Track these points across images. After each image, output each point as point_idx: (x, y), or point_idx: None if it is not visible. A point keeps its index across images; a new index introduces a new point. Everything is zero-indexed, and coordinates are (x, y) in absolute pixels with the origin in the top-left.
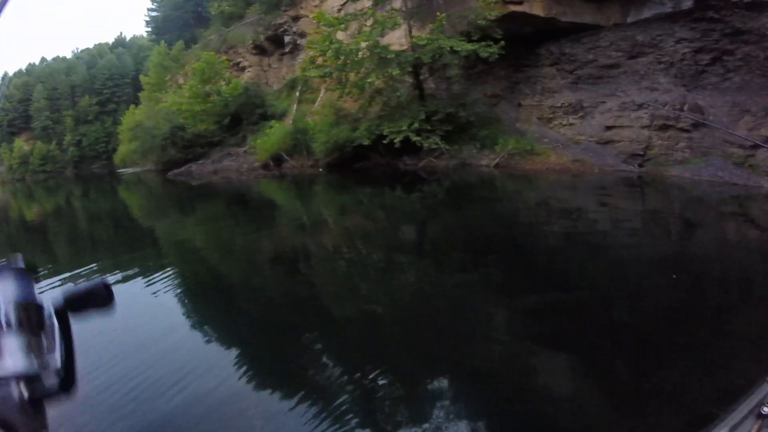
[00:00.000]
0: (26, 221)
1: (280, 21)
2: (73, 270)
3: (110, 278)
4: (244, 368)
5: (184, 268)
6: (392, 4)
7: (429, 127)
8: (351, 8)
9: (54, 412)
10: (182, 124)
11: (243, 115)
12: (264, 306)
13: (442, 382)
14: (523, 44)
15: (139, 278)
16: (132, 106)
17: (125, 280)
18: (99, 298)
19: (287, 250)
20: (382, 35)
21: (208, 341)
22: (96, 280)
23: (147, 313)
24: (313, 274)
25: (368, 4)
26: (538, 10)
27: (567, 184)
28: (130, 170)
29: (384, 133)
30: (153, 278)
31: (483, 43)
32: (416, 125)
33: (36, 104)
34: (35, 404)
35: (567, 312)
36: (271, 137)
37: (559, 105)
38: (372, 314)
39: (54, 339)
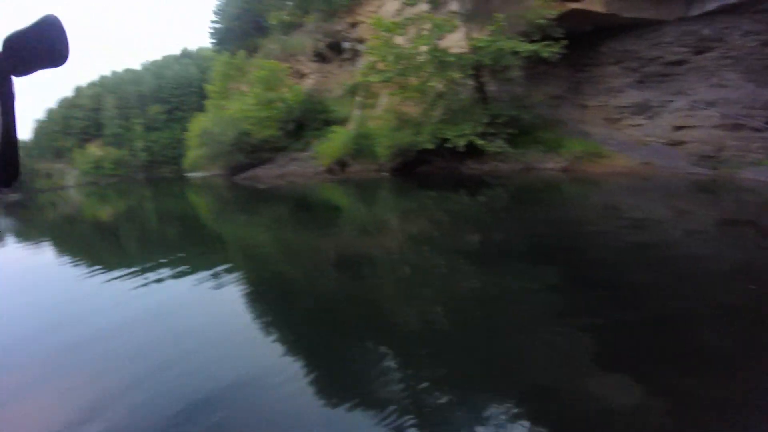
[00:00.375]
0: (98, 221)
1: (338, 28)
2: (142, 264)
3: (176, 274)
4: (301, 368)
5: (247, 267)
6: (449, 6)
7: (492, 131)
8: (408, 13)
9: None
10: (248, 130)
11: (306, 121)
12: (324, 307)
13: (496, 396)
14: (584, 43)
15: (204, 275)
16: (198, 114)
17: (190, 275)
18: (47, 44)
19: (349, 252)
20: (440, 38)
21: (267, 340)
22: (42, 16)
23: (209, 308)
24: (374, 278)
25: (425, 7)
26: (598, 7)
27: (635, 188)
28: (198, 174)
29: (447, 137)
30: (216, 276)
31: (543, 43)
32: (479, 129)
33: (107, 113)
34: None
35: (634, 328)
36: (335, 142)
37: (624, 105)
38: (431, 320)
39: None
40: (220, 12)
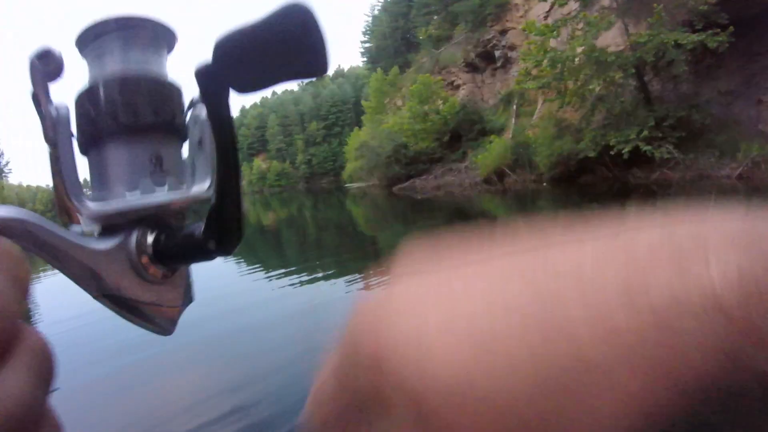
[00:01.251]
0: (263, 225)
1: (488, 37)
2: (299, 264)
3: (328, 276)
4: None
5: None
6: (600, 2)
7: (660, 135)
8: (558, 14)
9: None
10: (404, 142)
11: (462, 132)
12: None
13: None
14: (754, 28)
15: (355, 279)
16: (356, 129)
17: (341, 278)
18: (290, 45)
19: None
20: (596, 38)
21: None
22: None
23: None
24: None
25: (575, 6)
26: None
27: None
28: (356, 185)
29: (610, 144)
30: (368, 279)
31: (709, 32)
32: (645, 133)
33: (270, 130)
34: (166, 263)
35: None
36: (492, 152)
37: None
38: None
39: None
40: (370, 32)
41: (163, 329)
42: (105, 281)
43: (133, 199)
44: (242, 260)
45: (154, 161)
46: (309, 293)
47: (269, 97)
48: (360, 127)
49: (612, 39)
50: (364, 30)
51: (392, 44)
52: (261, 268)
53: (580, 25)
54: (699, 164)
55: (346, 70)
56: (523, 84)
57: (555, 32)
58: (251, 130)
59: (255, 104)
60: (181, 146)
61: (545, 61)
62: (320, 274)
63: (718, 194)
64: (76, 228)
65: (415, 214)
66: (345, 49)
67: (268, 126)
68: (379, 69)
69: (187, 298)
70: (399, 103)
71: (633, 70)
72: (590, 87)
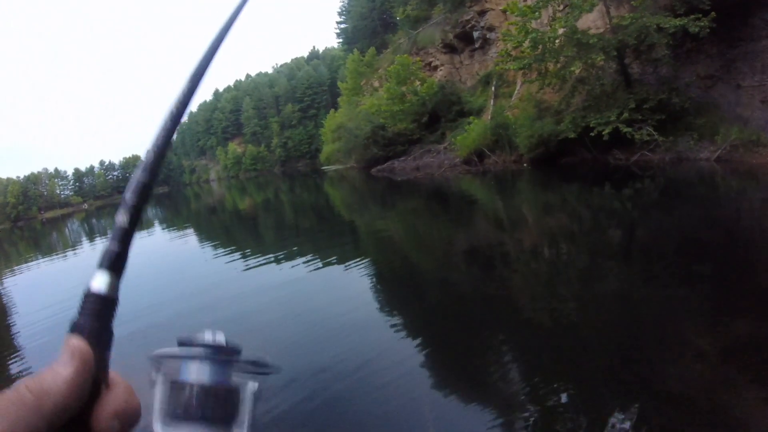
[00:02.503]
0: (239, 211)
1: (467, 17)
2: (278, 252)
3: (310, 261)
4: (425, 363)
5: (378, 257)
6: None
7: (640, 117)
8: None
9: None
10: (382, 123)
11: (440, 113)
12: (452, 301)
13: (629, 407)
14: (735, 14)
15: (336, 263)
16: (332, 111)
17: (323, 263)
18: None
19: (482, 247)
20: (578, 19)
21: (393, 329)
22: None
23: (339, 294)
24: (506, 274)
25: None
26: None
27: None
28: (333, 167)
29: (591, 125)
30: (349, 264)
31: (691, 17)
32: (626, 115)
33: (245, 114)
34: None
35: None
36: (471, 133)
37: None
38: (563, 321)
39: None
40: (346, 12)
41: None
42: None
43: None
44: (222, 249)
45: None
46: (298, 281)
47: (243, 79)
48: (336, 109)
49: (592, 22)
50: (340, 10)
51: (369, 25)
52: (242, 257)
53: (562, 7)
54: (678, 146)
55: (321, 51)
56: (504, 65)
57: (538, 13)
58: (225, 114)
59: (229, 87)
60: None
61: (527, 41)
62: (308, 260)
63: (694, 176)
64: None
65: (395, 196)
66: (320, 30)
67: (243, 109)
68: (355, 50)
69: None
70: (376, 84)
71: (615, 53)
72: (571, 69)
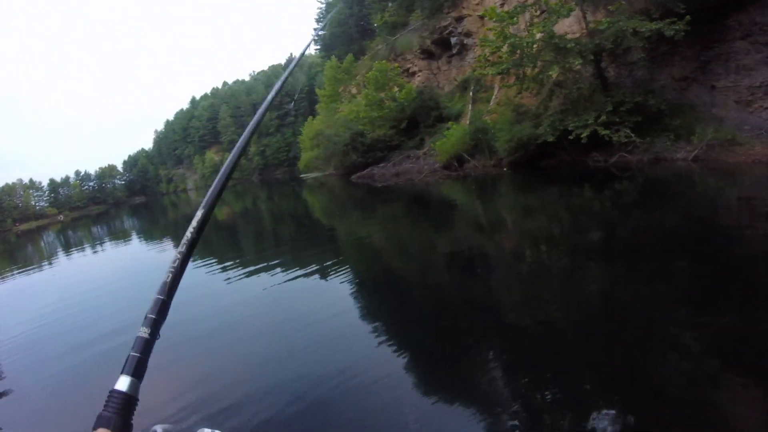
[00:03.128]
0: (217, 220)
1: (444, 23)
2: (258, 264)
3: (289, 270)
4: (407, 366)
5: (359, 264)
6: None
7: (617, 119)
8: (514, 2)
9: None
10: (361, 130)
11: (419, 119)
12: (433, 305)
13: (613, 405)
14: (709, 17)
15: (316, 271)
16: (310, 118)
17: (303, 271)
18: None
19: (463, 251)
20: (555, 24)
21: (374, 334)
22: None
23: (320, 302)
24: (487, 277)
25: None
26: None
27: None
28: (312, 175)
29: (569, 128)
30: (329, 271)
31: (667, 20)
32: (603, 118)
33: (222, 121)
34: None
35: None
36: (451, 138)
37: (758, 85)
38: (545, 322)
39: None
40: (323, 19)
41: None
42: None
43: None
44: (204, 262)
45: None
46: (282, 290)
47: (220, 87)
48: (314, 116)
49: (568, 26)
50: (317, 17)
51: (347, 31)
52: (222, 269)
53: (538, 12)
54: (655, 147)
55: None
56: (482, 70)
57: (516, 18)
58: (202, 122)
59: (206, 95)
60: None
61: (505, 47)
62: (277, 270)
63: (672, 176)
64: None
65: (375, 202)
66: (297, 37)
67: (219, 117)
68: (333, 56)
69: None
70: (354, 90)
71: (592, 57)
72: (549, 73)
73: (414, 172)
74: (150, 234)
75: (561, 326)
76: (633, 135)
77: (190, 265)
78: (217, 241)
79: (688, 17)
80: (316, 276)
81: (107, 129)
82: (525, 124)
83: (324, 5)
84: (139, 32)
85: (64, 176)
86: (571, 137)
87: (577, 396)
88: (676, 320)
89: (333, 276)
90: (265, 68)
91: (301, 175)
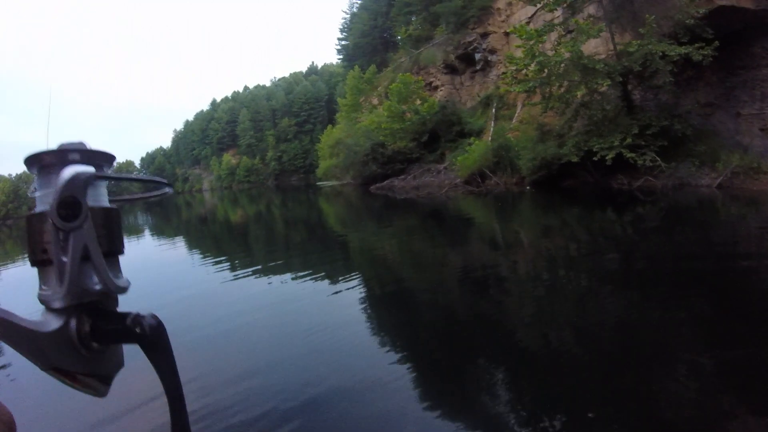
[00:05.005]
0: (230, 222)
1: (469, 39)
2: (267, 265)
3: (298, 276)
4: (414, 380)
5: (369, 273)
6: (587, 11)
7: (642, 142)
8: (540, 20)
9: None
10: (382, 141)
11: (440, 133)
12: (443, 320)
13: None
14: (735, 43)
15: (325, 278)
16: (329, 126)
17: (312, 278)
18: None
19: (477, 268)
20: (583, 44)
21: (381, 347)
22: None
23: (327, 309)
24: (500, 295)
25: (558, 13)
26: (746, 3)
27: None
28: (328, 183)
29: (594, 150)
30: (338, 279)
31: (695, 45)
32: (629, 140)
33: (241, 125)
34: (100, 340)
35: None
36: (473, 154)
37: None
38: (554, 345)
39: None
40: (348, 29)
41: (99, 392)
42: (51, 357)
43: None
44: (215, 261)
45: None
46: (275, 294)
47: (241, 91)
48: (333, 124)
49: (594, 48)
50: (341, 27)
51: (370, 42)
52: (236, 275)
53: (564, 32)
54: (679, 173)
55: (320, 67)
56: (508, 87)
57: (544, 37)
58: (222, 125)
59: (226, 98)
60: None
61: (532, 65)
62: (287, 275)
63: (695, 202)
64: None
65: (391, 214)
66: (319, 46)
67: (239, 121)
68: (356, 66)
69: (119, 363)
70: (375, 101)
71: (620, 78)
72: (579, 92)
73: (434, 186)
74: (161, 231)
75: (572, 349)
76: (659, 159)
77: (196, 263)
78: (228, 243)
79: (716, 43)
80: (326, 283)
81: (127, 124)
82: (549, 143)
83: (348, 16)
84: (167, 29)
85: None
86: (595, 158)
87: (584, 422)
88: (692, 350)
89: (342, 284)
90: (286, 75)
91: (318, 183)
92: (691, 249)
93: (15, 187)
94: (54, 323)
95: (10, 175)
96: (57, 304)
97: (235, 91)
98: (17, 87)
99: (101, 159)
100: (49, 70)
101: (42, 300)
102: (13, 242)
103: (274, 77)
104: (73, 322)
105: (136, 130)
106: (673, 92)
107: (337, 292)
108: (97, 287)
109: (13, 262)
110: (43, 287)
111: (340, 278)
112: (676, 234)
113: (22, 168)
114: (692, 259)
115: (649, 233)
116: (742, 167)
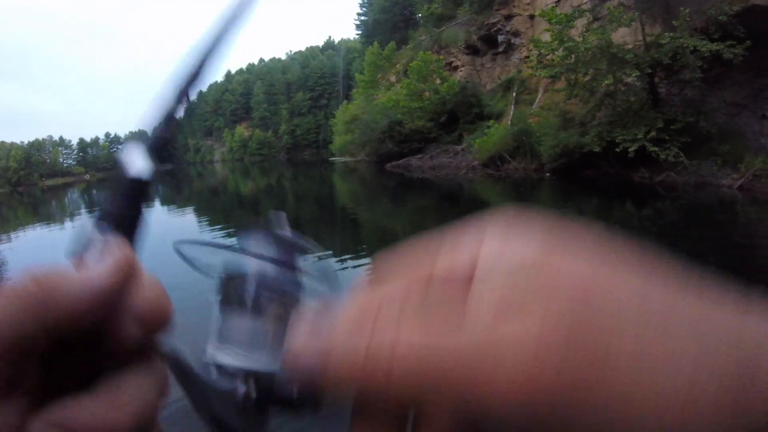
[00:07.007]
0: (240, 194)
1: (493, 20)
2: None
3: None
4: None
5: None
6: None
7: (666, 137)
8: (567, 5)
9: None
10: (399, 119)
11: (459, 114)
12: None
13: None
14: (766, 45)
15: (332, 256)
16: (345, 102)
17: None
18: None
19: None
20: (614, 32)
21: None
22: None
23: None
24: None
25: (586, 0)
26: None
27: None
28: (341, 159)
29: (617, 141)
30: (343, 257)
31: (727, 42)
32: (653, 134)
33: (255, 98)
34: (262, 409)
35: None
36: (492, 137)
37: None
38: None
39: None
40: (368, 4)
41: None
42: (216, 412)
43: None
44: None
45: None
46: None
47: (256, 63)
48: (348, 100)
49: (621, 37)
50: (361, 2)
51: (390, 19)
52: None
53: (592, 19)
54: (701, 171)
55: (336, 41)
56: (535, 71)
57: (573, 22)
58: (236, 96)
59: (241, 70)
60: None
61: (560, 50)
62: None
63: (716, 202)
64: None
65: (405, 194)
66: (337, 20)
67: (253, 93)
68: (375, 43)
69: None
70: (392, 79)
71: (648, 70)
72: (607, 81)
73: (452, 167)
74: (173, 201)
75: None
76: (682, 155)
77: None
78: (238, 215)
79: (748, 42)
80: (332, 262)
81: (141, 93)
82: (572, 131)
83: None
84: None
85: (93, 137)
86: (617, 149)
87: None
88: None
89: (350, 262)
90: (302, 49)
91: (331, 158)
92: (706, 250)
93: (27, 154)
94: (227, 382)
95: (22, 142)
96: None
97: (250, 64)
98: (31, 56)
99: None
100: (59, 42)
101: None
102: (24, 209)
103: (290, 51)
104: (243, 388)
105: (148, 99)
106: (699, 89)
107: (343, 269)
108: None
109: (23, 229)
110: None
111: (348, 257)
112: (693, 233)
113: (34, 135)
114: (706, 261)
115: (667, 230)
116: (765, 170)
